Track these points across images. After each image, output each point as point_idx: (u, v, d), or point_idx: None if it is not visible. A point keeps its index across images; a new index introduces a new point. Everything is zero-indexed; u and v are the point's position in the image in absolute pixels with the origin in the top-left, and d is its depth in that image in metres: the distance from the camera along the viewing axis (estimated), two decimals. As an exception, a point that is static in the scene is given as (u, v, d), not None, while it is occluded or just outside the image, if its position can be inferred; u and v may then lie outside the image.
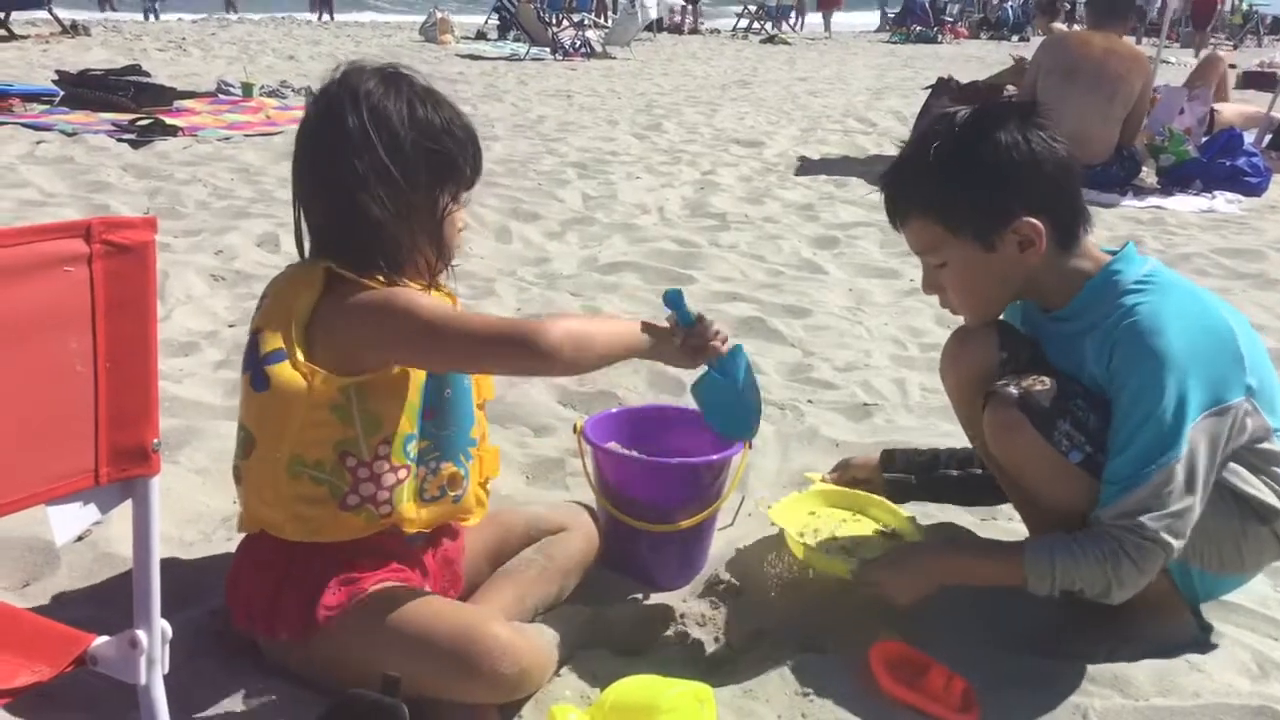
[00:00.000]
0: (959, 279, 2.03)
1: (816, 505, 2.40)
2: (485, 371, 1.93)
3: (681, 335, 1.94)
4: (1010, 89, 8.01)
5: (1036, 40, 7.91)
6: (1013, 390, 1.95)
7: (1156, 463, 1.83)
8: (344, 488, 1.79)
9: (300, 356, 1.75)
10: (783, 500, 2.41)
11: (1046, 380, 1.96)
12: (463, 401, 1.90)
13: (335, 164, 1.78)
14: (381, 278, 1.79)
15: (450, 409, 1.87)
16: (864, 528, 2.32)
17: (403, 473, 1.83)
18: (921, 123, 8.08)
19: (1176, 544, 1.86)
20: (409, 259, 1.84)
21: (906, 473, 2.44)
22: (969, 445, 2.40)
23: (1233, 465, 1.96)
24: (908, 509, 2.39)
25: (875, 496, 2.41)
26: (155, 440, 1.21)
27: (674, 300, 1.95)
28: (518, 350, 1.74)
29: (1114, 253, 2.04)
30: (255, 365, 1.79)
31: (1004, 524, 2.53)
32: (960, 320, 2.15)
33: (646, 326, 1.91)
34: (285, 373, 1.75)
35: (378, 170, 1.76)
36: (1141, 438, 1.85)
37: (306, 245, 1.87)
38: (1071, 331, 2.02)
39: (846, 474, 2.48)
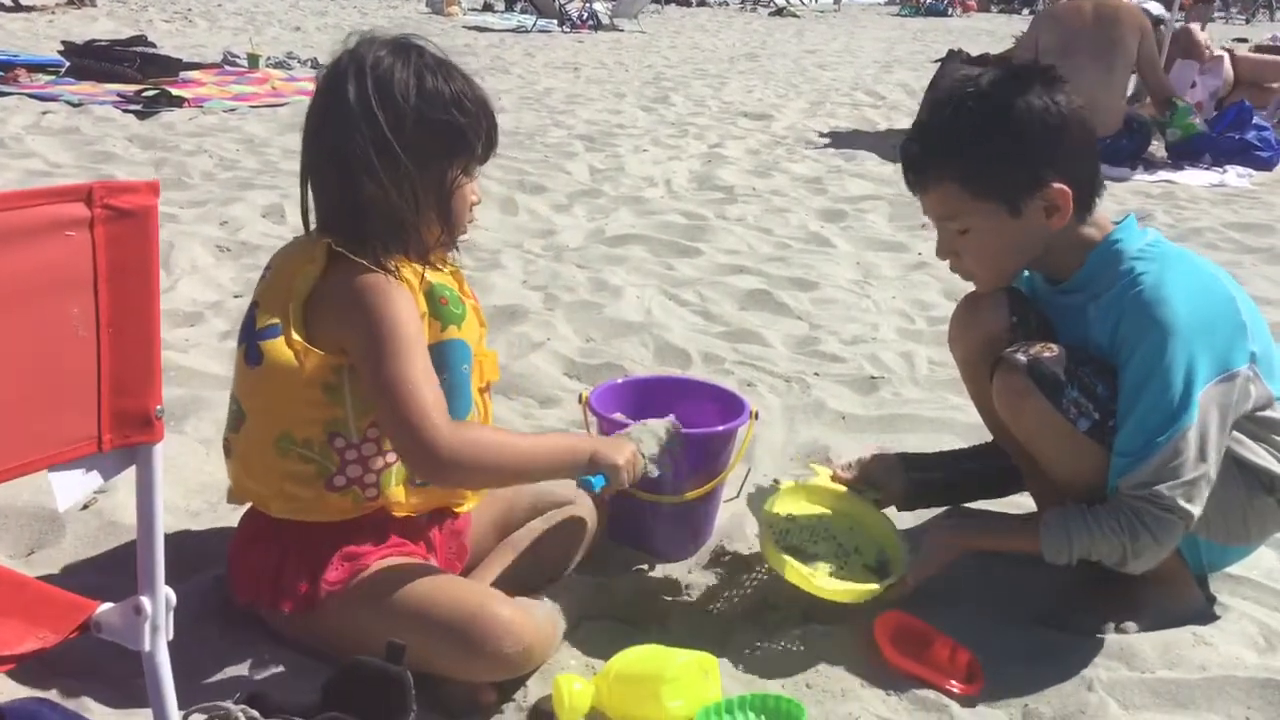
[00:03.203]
0: (980, 245, 2.00)
1: (800, 505, 2.22)
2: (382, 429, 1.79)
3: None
4: (1019, 63, 7.95)
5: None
6: (1021, 357, 1.93)
7: (1168, 432, 1.83)
8: (331, 468, 1.78)
9: (296, 334, 1.73)
10: (773, 498, 2.20)
11: (1055, 347, 1.95)
12: (460, 388, 1.85)
13: (338, 137, 1.74)
14: (381, 256, 1.75)
15: (445, 396, 1.79)
16: (850, 541, 2.17)
17: (391, 457, 1.81)
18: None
19: (1195, 511, 1.85)
20: (412, 235, 1.80)
21: (929, 472, 2.31)
22: (976, 444, 2.39)
23: (1236, 434, 1.95)
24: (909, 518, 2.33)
25: (863, 504, 2.24)
26: (158, 407, 1.20)
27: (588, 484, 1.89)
28: (411, 443, 1.71)
29: (1117, 223, 2.02)
30: (250, 339, 1.78)
31: (1015, 499, 2.52)
32: (969, 288, 2.13)
33: (580, 445, 1.89)
34: (279, 349, 1.73)
35: (379, 145, 1.72)
36: (1152, 408, 1.84)
37: (311, 219, 1.84)
38: (1076, 303, 2.01)
39: (859, 473, 2.28)
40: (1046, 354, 1.93)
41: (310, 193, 1.84)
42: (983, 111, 1.92)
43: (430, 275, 1.83)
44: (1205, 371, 1.85)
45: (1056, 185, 1.92)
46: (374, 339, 1.71)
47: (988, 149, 1.92)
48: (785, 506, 2.20)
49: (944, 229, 2.03)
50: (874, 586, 2.00)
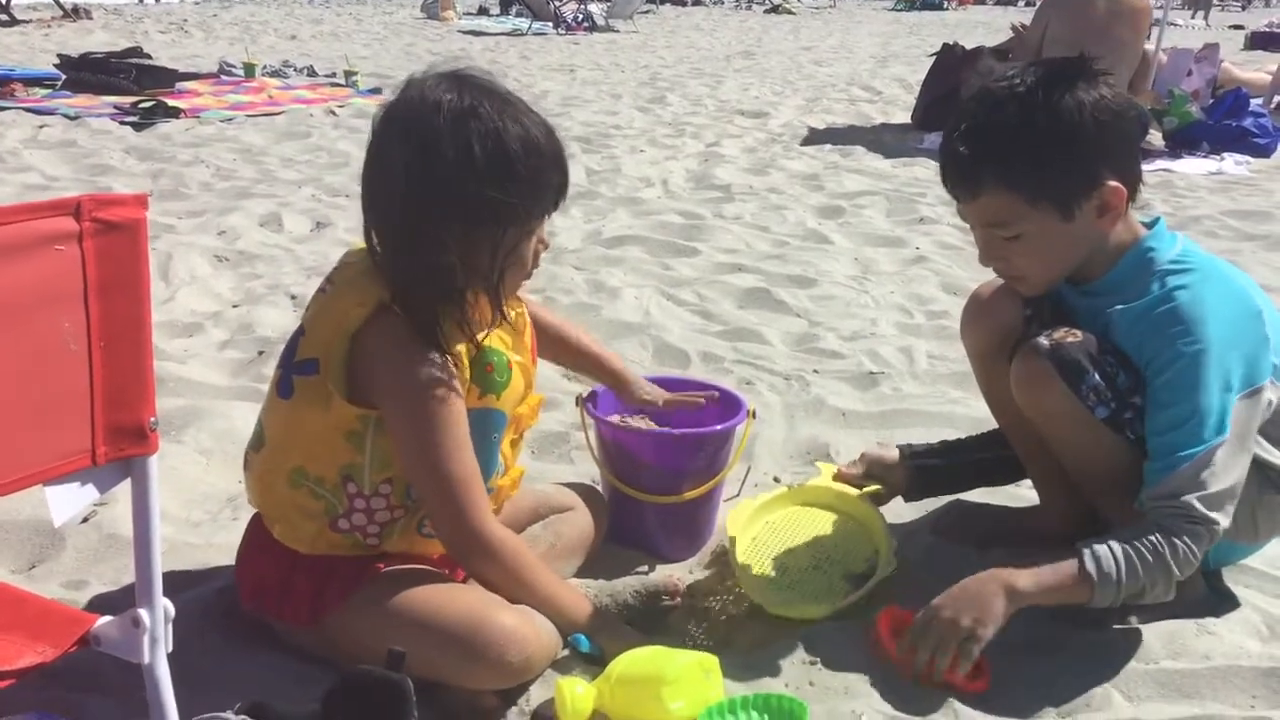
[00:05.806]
0: (1034, 250, 1.92)
1: (779, 510, 2.28)
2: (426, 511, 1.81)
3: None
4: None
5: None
6: (1044, 341, 1.91)
7: (1200, 446, 1.79)
8: (339, 510, 1.79)
9: (332, 380, 1.71)
10: (739, 506, 2.25)
11: (1078, 333, 1.92)
12: (488, 453, 1.83)
13: (404, 196, 1.66)
14: (435, 322, 1.71)
15: None
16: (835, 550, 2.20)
17: (399, 513, 1.82)
18: (932, 87, 8.01)
19: (1222, 521, 1.81)
20: (467, 296, 1.75)
21: (929, 458, 2.32)
22: (979, 433, 2.38)
23: (1255, 435, 1.94)
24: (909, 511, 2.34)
25: (864, 507, 2.28)
26: (152, 419, 1.20)
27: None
28: (459, 536, 1.76)
29: (1147, 225, 1.99)
30: (287, 369, 1.77)
31: (1012, 490, 2.52)
32: (969, 283, 2.12)
33: (584, 613, 1.87)
34: (312, 388, 1.73)
35: (449, 217, 1.66)
36: (1183, 423, 1.81)
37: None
38: (1098, 305, 1.97)
39: (863, 469, 2.33)
40: (1070, 339, 1.91)
41: (371, 226, 1.75)
42: (1033, 112, 1.83)
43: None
44: (1235, 388, 1.83)
45: (1111, 184, 1.87)
46: (419, 423, 1.70)
47: (1043, 152, 1.84)
48: (766, 513, 2.26)
49: (990, 235, 1.95)
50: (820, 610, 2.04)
